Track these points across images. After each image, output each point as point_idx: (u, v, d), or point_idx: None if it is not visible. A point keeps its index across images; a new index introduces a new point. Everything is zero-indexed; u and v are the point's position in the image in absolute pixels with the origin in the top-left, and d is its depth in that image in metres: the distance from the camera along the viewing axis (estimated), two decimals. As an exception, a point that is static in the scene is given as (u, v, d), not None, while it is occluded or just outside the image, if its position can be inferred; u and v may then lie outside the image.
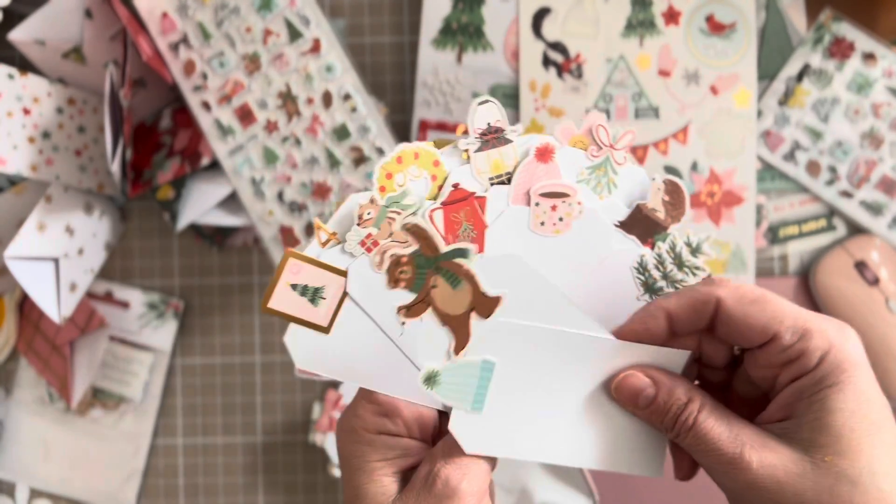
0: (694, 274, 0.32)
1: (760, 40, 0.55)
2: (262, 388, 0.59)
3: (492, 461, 0.32)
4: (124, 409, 0.59)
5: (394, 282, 0.32)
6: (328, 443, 0.57)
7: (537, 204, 0.33)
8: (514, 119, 0.55)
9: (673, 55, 0.54)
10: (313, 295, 0.32)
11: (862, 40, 0.54)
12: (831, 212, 0.56)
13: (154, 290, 0.59)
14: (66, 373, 0.58)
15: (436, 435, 0.33)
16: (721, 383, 0.33)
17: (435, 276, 0.32)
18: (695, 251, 0.33)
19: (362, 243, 0.32)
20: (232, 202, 0.55)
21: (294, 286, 0.32)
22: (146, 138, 0.57)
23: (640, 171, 0.33)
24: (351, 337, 0.32)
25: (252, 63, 0.52)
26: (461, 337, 0.32)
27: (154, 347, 0.59)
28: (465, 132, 0.33)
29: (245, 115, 0.53)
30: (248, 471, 0.59)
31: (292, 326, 0.32)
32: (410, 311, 0.32)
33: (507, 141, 0.33)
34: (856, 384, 0.27)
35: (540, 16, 0.54)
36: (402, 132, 0.56)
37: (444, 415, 0.33)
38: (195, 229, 0.58)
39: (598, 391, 0.32)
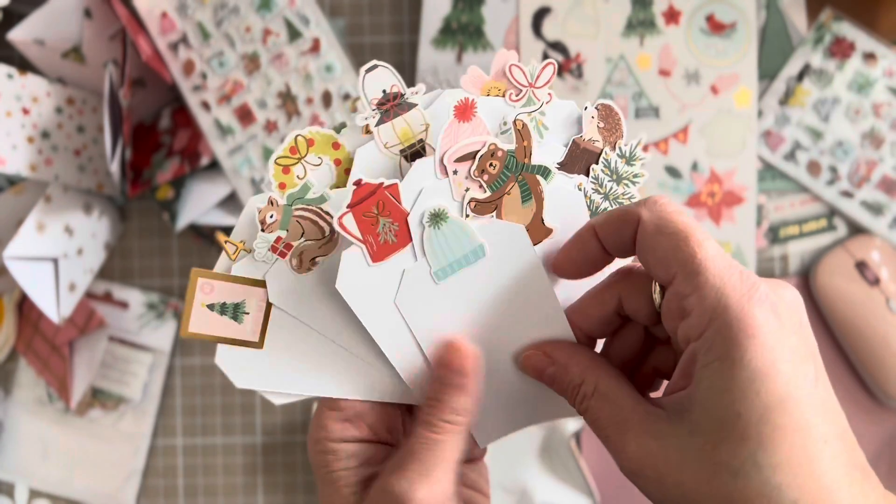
0: (634, 182, 0.31)
1: (761, 40, 0.55)
2: (261, 388, 0.59)
3: (449, 467, 0.29)
4: (123, 410, 0.59)
5: (480, 171, 0.29)
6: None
7: (455, 172, 0.29)
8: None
9: (673, 55, 0.54)
10: (234, 311, 0.30)
11: (862, 40, 0.54)
12: (832, 212, 0.56)
13: (153, 290, 0.59)
14: (65, 373, 0.58)
15: (405, 431, 0.32)
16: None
17: (514, 183, 0.30)
18: (630, 160, 0.30)
19: (273, 249, 0.30)
20: (232, 202, 0.55)
21: (211, 306, 0.30)
22: (146, 138, 0.57)
23: (569, 104, 0.30)
24: (289, 346, 0.30)
25: (252, 63, 0.52)
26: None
27: (153, 347, 0.59)
28: (358, 107, 0.30)
29: (245, 115, 0.53)
30: (247, 471, 0.59)
31: (221, 347, 0.30)
32: (481, 206, 0.30)
33: (411, 105, 0.30)
34: (748, 360, 0.22)
35: (540, 15, 0.54)
36: (401, 132, 0.56)
37: (409, 414, 0.32)
38: (194, 229, 0.58)
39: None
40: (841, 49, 0.55)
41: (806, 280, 0.55)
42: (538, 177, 0.30)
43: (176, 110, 0.57)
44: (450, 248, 0.30)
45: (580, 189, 0.30)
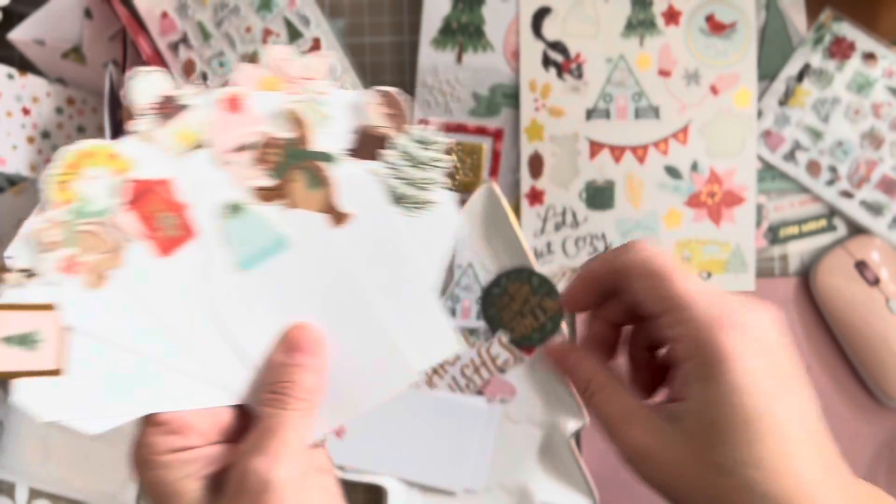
0: (435, 166, 0.31)
1: (761, 40, 0.55)
2: (261, 388, 0.59)
3: (303, 441, 0.30)
4: (124, 410, 0.59)
5: (260, 160, 0.30)
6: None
7: (233, 163, 0.30)
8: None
9: (673, 55, 0.54)
10: (27, 341, 0.28)
11: (862, 40, 0.54)
12: (832, 212, 0.56)
13: (154, 290, 0.59)
14: (65, 373, 0.58)
15: (242, 432, 0.31)
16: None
17: (298, 170, 0.30)
18: (426, 145, 0.31)
19: (60, 268, 0.29)
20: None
21: (1, 340, 0.28)
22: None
23: (351, 94, 0.31)
24: (96, 368, 0.29)
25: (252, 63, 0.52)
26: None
27: (154, 347, 0.59)
28: (130, 114, 0.29)
29: (245, 115, 0.53)
30: (247, 471, 0.59)
31: (17, 383, 0.28)
32: (266, 194, 0.30)
33: (185, 107, 0.30)
34: (724, 380, 0.27)
35: (540, 15, 0.54)
36: (402, 132, 0.56)
37: (241, 410, 0.32)
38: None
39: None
40: (841, 49, 0.55)
41: (805, 280, 0.55)
42: (322, 163, 0.31)
43: (176, 110, 0.57)
44: (251, 239, 0.30)
45: (374, 174, 0.31)
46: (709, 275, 0.54)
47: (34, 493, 0.60)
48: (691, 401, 0.28)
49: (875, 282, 0.53)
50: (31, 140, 0.51)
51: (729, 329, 0.27)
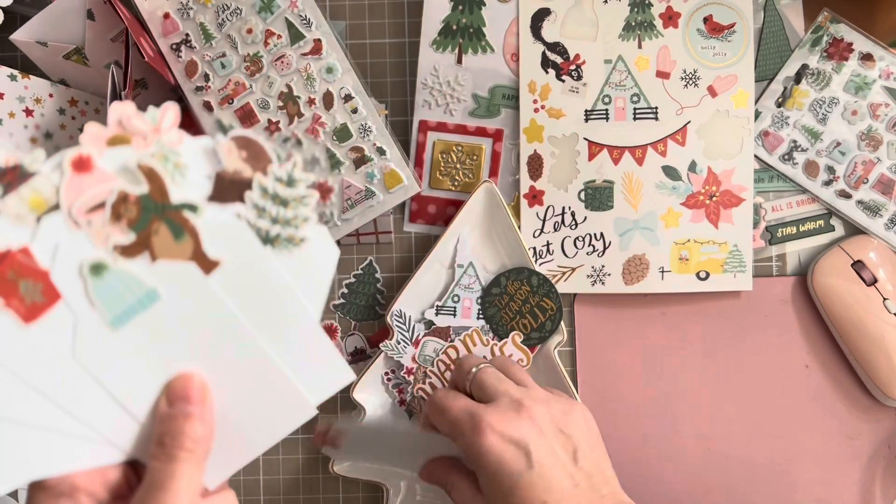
0: (304, 203, 0.31)
1: (758, 42, 0.55)
2: (262, 387, 0.59)
3: (194, 492, 0.30)
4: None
5: (116, 217, 0.30)
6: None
7: (89, 223, 0.30)
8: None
9: (671, 56, 0.54)
10: None
11: (860, 41, 0.55)
12: (829, 212, 0.56)
13: (155, 290, 0.59)
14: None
15: (132, 487, 0.31)
16: None
17: (159, 223, 0.30)
18: (290, 183, 0.31)
19: None
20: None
21: None
22: (147, 139, 0.57)
23: (202, 140, 0.31)
24: None
25: (253, 64, 0.53)
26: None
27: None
28: None
29: (246, 116, 0.53)
30: (248, 471, 0.59)
31: None
32: (128, 250, 0.30)
33: (31, 174, 0.29)
34: (484, 477, 0.40)
35: (539, 17, 0.55)
36: (402, 133, 0.57)
37: (130, 466, 0.31)
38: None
39: None
40: (838, 50, 0.55)
41: (803, 280, 0.56)
42: (184, 212, 0.30)
43: (178, 111, 0.57)
44: (119, 295, 0.30)
45: (240, 218, 0.31)
46: (707, 275, 0.55)
47: (36, 492, 0.61)
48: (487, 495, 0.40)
49: (872, 282, 0.53)
50: (33, 141, 0.51)
51: (484, 439, 0.40)
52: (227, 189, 0.31)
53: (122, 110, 0.30)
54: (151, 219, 0.30)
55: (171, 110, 0.30)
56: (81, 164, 0.29)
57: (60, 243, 0.29)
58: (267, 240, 0.31)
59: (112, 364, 0.30)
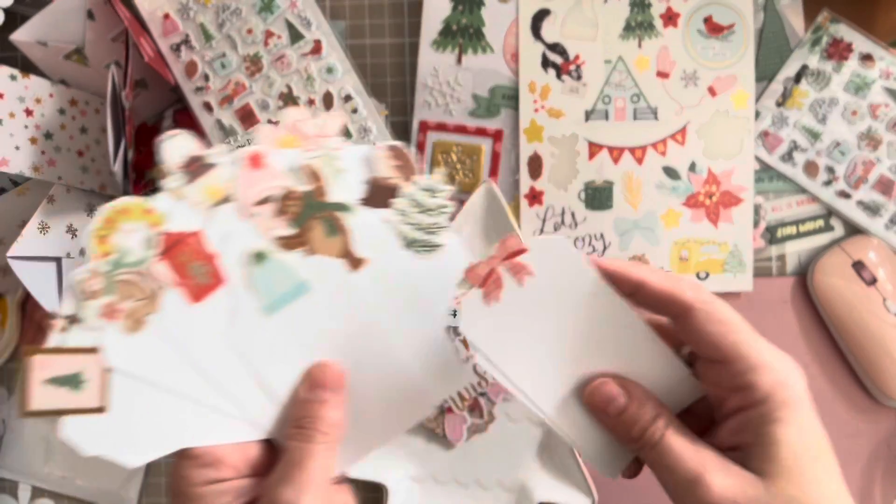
0: (442, 213, 0.33)
1: (758, 42, 0.55)
2: (263, 387, 0.59)
3: (329, 473, 0.32)
4: (126, 409, 0.60)
5: (280, 211, 0.32)
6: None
7: (257, 215, 0.33)
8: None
9: (671, 57, 0.54)
10: (73, 382, 0.31)
11: (859, 42, 0.55)
12: (829, 212, 0.56)
13: (155, 290, 0.59)
14: (67, 372, 0.58)
15: (268, 466, 0.33)
16: None
17: (317, 220, 0.33)
18: (432, 193, 0.33)
19: (103, 315, 0.31)
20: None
21: (49, 381, 0.30)
22: (148, 139, 0.58)
23: (362, 148, 0.34)
24: (134, 406, 0.31)
25: (253, 64, 0.53)
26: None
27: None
28: (164, 173, 0.32)
29: (246, 116, 0.53)
30: (249, 470, 0.59)
31: (64, 420, 0.30)
32: (288, 242, 0.33)
33: (212, 165, 0.32)
34: (798, 420, 0.29)
35: (539, 17, 0.55)
36: (402, 133, 0.57)
37: (268, 444, 0.33)
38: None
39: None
40: (838, 51, 0.55)
41: (803, 280, 0.56)
42: (338, 213, 0.33)
43: (178, 112, 0.57)
44: (275, 284, 0.33)
45: (387, 221, 0.33)
46: (707, 275, 0.55)
47: (37, 492, 0.61)
48: (764, 441, 0.29)
49: (872, 281, 0.53)
50: (33, 141, 0.51)
51: (798, 377, 0.30)
52: (378, 194, 0.33)
53: (295, 115, 0.33)
54: (311, 215, 0.33)
55: (336, 119, 0.34)
56: (256, 161, 0.33)
57: (230, 231, 0.32)
58: (408, 243, 0.33)
59: (261, 348, 0.33)
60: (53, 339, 0.31)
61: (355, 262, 0.33)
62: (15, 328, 0.59)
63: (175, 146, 0.32)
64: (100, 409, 0.31)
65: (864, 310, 0.53)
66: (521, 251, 0.31)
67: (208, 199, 0.32)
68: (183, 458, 0.32)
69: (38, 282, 0.52)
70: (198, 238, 0.32)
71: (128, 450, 0.31)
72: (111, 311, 0.31)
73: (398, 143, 0.33)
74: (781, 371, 0.30)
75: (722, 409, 0.31)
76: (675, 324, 0.32)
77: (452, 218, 0.34)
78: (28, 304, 0.60)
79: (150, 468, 0.60)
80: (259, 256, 0.32)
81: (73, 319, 0.31)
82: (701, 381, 0.32)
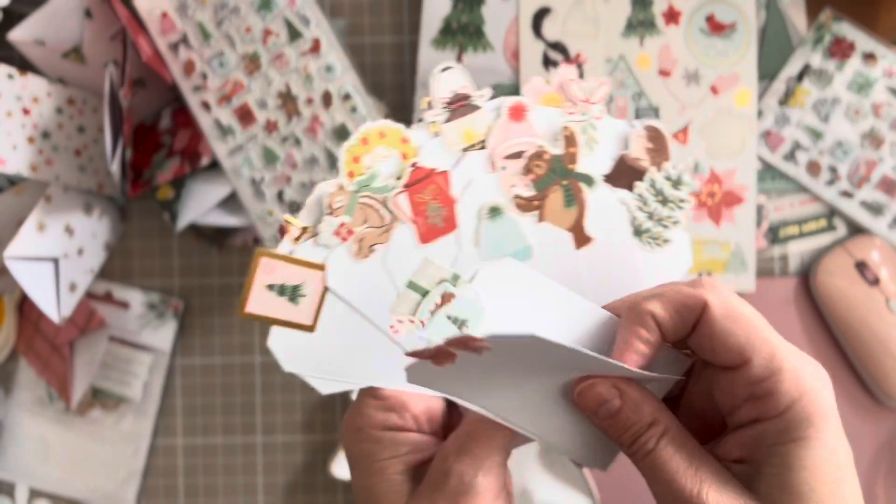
0: (680, 207, 0.32)
1: (761, 40, 0.55)
2: (261, 388, 0.59)
3: (505, 454, 0.30)
4: (124, 410, 0.59)
5: (526, 170, 0.31)
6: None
7: (504, 168, 0.31)
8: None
9: (673, 55, 0.54)
10: (292, 293, 0.30)
11: (862, 40, 0.54)
12: (832, 212, 0.56)
13: (154, 290, 0.59)
14: (65, 373, 0.58)
15: (447, 427, 0.32)
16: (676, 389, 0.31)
17: (558, 186, 0.32)
18: (676, 184, 0.32)
19: (337, 233, 0.31)
20: (232, 202, 0.55)
21: (270, 287, 0.30)
22: (146, 138, 0.57)
23: (620, 123, 0.32)
24: (339, 333, 0.31)
25: (252, 63, 0.52)
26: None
27: (154, 348, 0.59)
28: (430, 105, 0.32)
29: (245, 115, 0.53)
30: (247, 471, 0.59)
31: (275, 329, 0.30)
32: (524, 204, 0.31)
33: (476, 107, 0.32)
34: (823, 439, 0.25)
35: (540, 16, 0.54)
36: (402, 132, 0.56)
37: (452, 407, 0.32)
38: (195, 229, 0.58)
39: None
40: (841, 49, 0.55)
41: (806, 280, 0.55)
42: (581, 184, 0.32)
43: (176, 110, 0.57)
44: (501, 243, 0.31)
45: (623, 204, 0.32)
46: (709, 275, 0.54)
47: (34, 493, 0.61)
48: (774, 462, 0.25)
49: (875, 282, 0.53)
50: (31, 140, 0.51)
51: (825, 384, 0.26)
52: (624, 174, 0.32)
53: (566, 73, 0.32)
54: (554, 181, 0.32)
55: (605, 85, 0.32)
56: (517, 112, 0.31)
57: (473, 179, 0.31)
58: (638, 231, 0.32)
59: None
60: (285, 246, 0.30)
61: (582, 240, 0.32)
62: (12, 329, 0.59)
63: (446, 80, 0.31)
64: (310, 328, 0.30)
65: (866, 310, 0.53)
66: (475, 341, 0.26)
67: (463, 141, 0.31)
68: (370, 395, 0.30)
69: (34, 282, 0.51)
70: (444, 178, 0.31)
71: (324, 375, 0.31)
72: (345, 232, 0.31)
73: (658, 125, 0.32)
74: (808, 378, 0.25)
75: (733, 417, 0.27)
76: (691, 335, 0.28)
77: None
78: (25, 304, 0.60)
79: (150, 469, 0.59)
80: (494, 211, 0.31)
81: (308, 231, 0.30)
82: (715, 392, 0.28)
